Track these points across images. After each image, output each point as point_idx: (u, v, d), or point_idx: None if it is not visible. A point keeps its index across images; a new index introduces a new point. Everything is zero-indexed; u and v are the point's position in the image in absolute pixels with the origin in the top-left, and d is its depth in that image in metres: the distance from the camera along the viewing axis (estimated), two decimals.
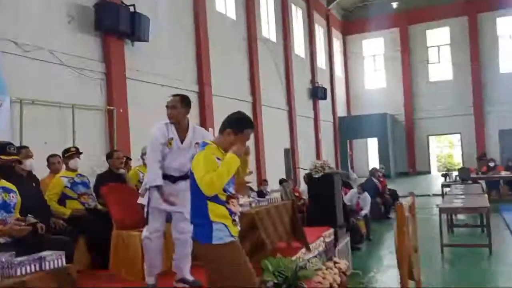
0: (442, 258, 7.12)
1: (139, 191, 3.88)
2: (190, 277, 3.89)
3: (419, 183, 20.17)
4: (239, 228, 2.93)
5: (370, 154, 25.85)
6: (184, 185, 3.74)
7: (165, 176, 3.70)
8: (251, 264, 4.01)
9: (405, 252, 4.38)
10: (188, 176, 3.79)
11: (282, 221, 5.41)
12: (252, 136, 12.63)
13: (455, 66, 24.36)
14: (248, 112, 14.23)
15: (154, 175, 3.66)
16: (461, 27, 23.87)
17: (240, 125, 2.94)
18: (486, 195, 9.46)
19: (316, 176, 6.80)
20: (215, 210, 2.80)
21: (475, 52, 23.56)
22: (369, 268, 6.77)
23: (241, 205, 4.69)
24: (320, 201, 6.74)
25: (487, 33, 23.50)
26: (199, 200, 2.83)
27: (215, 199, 2.80)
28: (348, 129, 23.40)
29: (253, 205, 4.76)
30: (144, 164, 5.62)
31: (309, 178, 6.97)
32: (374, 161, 22.84)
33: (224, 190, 2.82)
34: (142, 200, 3.81)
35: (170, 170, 3.73)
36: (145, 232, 3.78)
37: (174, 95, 3.82)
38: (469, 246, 7.67)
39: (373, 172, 12.37)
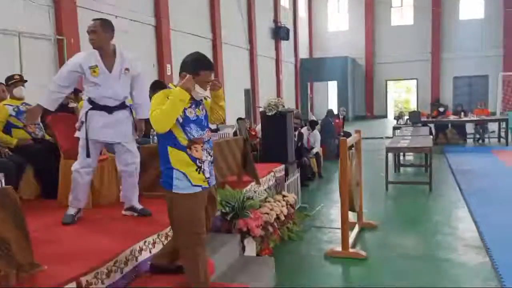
0: (386, 194, 7.53)
1: (76, 125, 3.80)
2: (138, 206, 3.98)
3: (375, 126, 20.74)
4: (207, 174, 2.80)
5: (330, 97, 26.17)
6: (122, 114, 3.71)
7: (100, 107, 3.61)
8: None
9: (346, 184, 4.62)
10: (126, 105, 3.77)
11: (233, 155, 5.52)
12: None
13: (416, 11, 24.47)
14: (208, 50, 14.03)
15: (46, 98, 3.57)
16: None
17: (195, 67, 2.76)
18: (430, 137, 9.96)
19: (270, 114, 6.90)
20: (175, 156, 2.72)
21: None
22: (317, 203, 7.08)
23: None
24: (272, 139, 6.90)
25: None
26: (161, 146, 2.76)
27: (175, 144, 2.71)
28: (310, 71, 23.44)
29: None
30: None
31: (263, 116, 7.07)
32: (333, 104, 23.20)
33: (186, 133, 2.71)
34: (78, 134, 3.72)
35: (104, 100, 3.62)
36: (76, 165, 3.73)
37: (94, 19, 3.63)
38: (411, 183, 8.12)
39: (330, 113, 12.60)
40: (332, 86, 24.90)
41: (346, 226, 4.64)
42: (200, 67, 2.77)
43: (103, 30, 3.56)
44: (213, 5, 14.14)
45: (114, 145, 3.81)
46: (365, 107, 26.05)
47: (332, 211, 6.58)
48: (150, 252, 3.33)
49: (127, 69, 3.65)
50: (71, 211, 3.79)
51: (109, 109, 3.64)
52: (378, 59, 25.45)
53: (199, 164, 2.76)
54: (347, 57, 23.29)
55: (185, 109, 2.72)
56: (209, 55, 14.10)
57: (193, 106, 2.81)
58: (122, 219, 3.89)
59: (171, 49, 11.41)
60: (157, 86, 5.82)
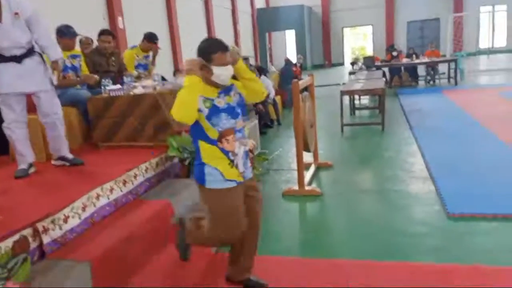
0: (341, 136, 7.77)
1: None
2: (69, 155, 3.97)
3: (333, 73, 20.97)
4: (241, 168, 2.61)
5: (288, 46, 26.12)
6: (32, 61, 3.59)
7: (7, 58, 3.47)
8: (159, 140, 4.17)
9: (300, 125, 4.75)
10: (34, 51, 3.62)
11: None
12: (166, 26, 12.30)
13: None
14: (162, 2, 13.60)
15: None
16: None
17: (206, 52, 2.49)
18: (383, 79, 10.22)
19: None
20: (206, 151, 2.55)
21: None
22: (276, 148, 7.25)
23: (143, 87, 4.74)
24: None
25: None
26: (193, 140, 2.63)
27: (205, 137, 2.53)
28: (267, 21, 23.22)
29: (157, 88, 4.79)
30: None
31: None
32: (292, 54, 23.20)
33: (214, 125, 2.50)
34: None
35: (6, 50, 3.47)
36: (4, 122, 3.66)
37: None
38: (365, 124, 8.39)
39: (288, 61, 12.64)
40: (290, 36, 24.82)
41: (301, 166, 4.82)
42: (210, 50, 2.49)
43: None
44: None
45: (33, 96, 3.70)
46: (323, 55, 26.19)
47: (290, 154, 6.77)
48: (108, 198, 3.39)
49: (16, 13, 3.45)
50: (22, 165, 3.77)
51: (17, 59, 3.50)
52: (333, 7, 25.42)
53: (232, 158, 2.56)
54: (303, 6, 23.13)
55: (213, 99, 2.51)
56: (163, 7, 13.70)
57: (222, 94, 2.56)
58: (77, 169, 3.90)
59: (122, 3, 10.99)
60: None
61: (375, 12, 24.49)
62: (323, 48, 26.07)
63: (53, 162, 3.99)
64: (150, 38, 6.16)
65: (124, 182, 3.64)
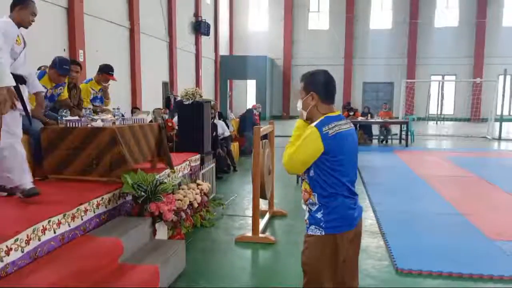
0: (297, 186, 7.85)
1: None
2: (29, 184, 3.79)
3: (291, 125, 21.40)
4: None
5: (249, 95, 26.59)
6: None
7: (16, 78, 3.48)
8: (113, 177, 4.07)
9: (258, 171, 4.77)
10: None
11: (147, 141, 5.45)
12: (128, 63, 12.23)
13: (332, 17, 25.66)
14: (125, 38, 13.65)
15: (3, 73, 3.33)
16: None
17: (321, 86, 2.51)
18: None
19: (187, 102, 6.90)
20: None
21: (351, 5, 25.01)
22: (231, 193, 7.21)
23: (103, 120, 4.65)
24: (189, 128, 6.91)
25: None
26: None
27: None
28: (229, 69, 23.64)
29: (117, 122, 4.72)
30: None
31: (179, 105, 7.06)
32: (252, 103, 23.56)
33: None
34: None
35: (18, 69, 3.57)
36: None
37: None
38: None
39: (251, 109, 12.88)
40: (251, 85, 25.33)
41: (256, 212, 4.80)
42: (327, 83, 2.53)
43: None
44: None
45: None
46: (281, 107, 26.78)
47: (245, 201, 6.74)
48: (55, 232, 3.22)
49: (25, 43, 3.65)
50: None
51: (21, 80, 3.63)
52: (295, 61, 26.31)
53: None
54: (266, 57, 23.80)
55: None
56: (126, 43, 13.74)
57: None
58: (24, 200, 3.71)
59: (85, 34, 10.95)
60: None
61: (334, 69, 25.45)
62: (283, 100, 26.72)
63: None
64: (104, 70, 6.11)
65: (73, 217, 3.48)
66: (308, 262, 2.47)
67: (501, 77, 17.93)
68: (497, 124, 16.79)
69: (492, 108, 17.76)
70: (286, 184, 7.87)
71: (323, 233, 2.41)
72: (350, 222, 2.44)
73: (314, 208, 2.46)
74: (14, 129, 3.59)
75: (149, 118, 9.94)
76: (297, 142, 2.42)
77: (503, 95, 17.55)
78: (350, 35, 25.20)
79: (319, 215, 2.43)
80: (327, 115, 2.44)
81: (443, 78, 24.60)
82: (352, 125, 2.54)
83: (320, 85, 2.49)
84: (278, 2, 25.86)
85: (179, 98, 7.09)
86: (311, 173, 2.44)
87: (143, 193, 4.28)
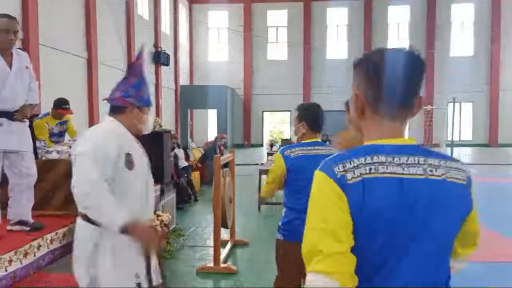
0: (259, 213, 7.85)
1: None
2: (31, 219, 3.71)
3: (252, 154, 21.51)
4: None
5: (210, 124, 26.59)
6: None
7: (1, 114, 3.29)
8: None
9: (219, 200, 4.75)
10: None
11: None
12: (84, 94, 12.02)
13: (290, 48, 26.32)
14: (82, 69, 13.48)
15: None
16: (297, 11, 25.83)
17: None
18: None
19: (145, 133, 6.83)
20: None
21: (308, 36, 25.79)
22: (192, 224, 7.12)
23: (58, 152, 4.54)
24: (149, 158, 6.81)
25: (319, 20, 25.91)
26: None
27: None
28: (190, 98, 23.61)
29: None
30: None
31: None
32: (213, 132, 23.57)
33: None
34: None
35: (6, 103, 3.30)
36: None
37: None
38: (281, 204, 8.56)
39: (216, 139, 12.91)
40: (212, 114, 25.38)
41: (218, 242, 4.75)
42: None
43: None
44: (89, 23, 13.68)
45: (11, 155, 3.46)
46: (243, 136, 26.92)
47: (206, 231, 6.66)
48: (6, 270, 3.07)
49: (26, 67, 3.38)
50: None
51: (9, 115, 3.33)
52: (255, 91, 26.64)
53: None
54: (226, 87, 23.99)
55: None
56: (83, 74, 13.56)
57: None
58: None
59: (40, 65, 10.72)
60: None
61: (294, 98, 25.93)
62: (243, 129, 26.88)
63: (9, 227, 3.60)
64: (58, 105, 5.89)
65: (26, 254, 3.33)
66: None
67: (451, 105, 18.78)
68: (449, 149, 17.49)
69: (443, 134, 18.51)
70: (247, 212, 7.85)
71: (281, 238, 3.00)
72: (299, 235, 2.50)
73: (282, 216, 3.03)
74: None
75: None
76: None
77: (453, 122, 18.36)
78: (307, 65, 25.88)
79: (280, 222, 3.04)
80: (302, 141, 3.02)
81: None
82: (330, 151, 2.80)
83: (310, 116, 3.06)
84: (237, 33, 26.32)
85: None
86: (285, 188, 3.03)
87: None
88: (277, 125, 32.93)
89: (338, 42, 26.17)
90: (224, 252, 5.20)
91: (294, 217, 2.88)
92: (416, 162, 1.20)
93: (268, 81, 26.22)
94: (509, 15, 24.98)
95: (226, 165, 5.65)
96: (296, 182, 2.92)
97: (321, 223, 1.15)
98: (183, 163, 9.56)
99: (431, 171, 1.20)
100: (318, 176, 1.22)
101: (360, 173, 1.16)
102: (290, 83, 26.07)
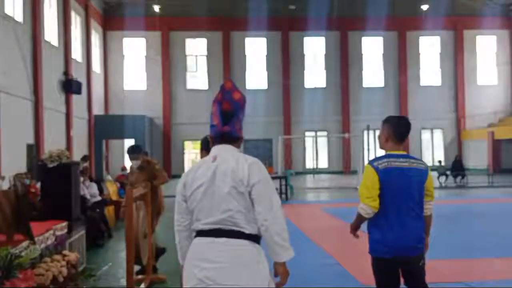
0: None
1: None
2: None
3: (174, 184, 20.83)
4: None
5: (127, 155, 25.51)
6: None
7: None
8: None
9: (131, 236, 4.33)
10: None
11: (1, 212, 4.72)
12: None
13: (210, 77, 26.33)
14: None
15: None
16: (216, 41, 26.00)
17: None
18: None
19: (51, 165, 6.22)
20: None
21: (227, 66, 25.98)
22: (105, 262, 6.51)
23: None
24: (55, 193, 6.18)
25: (238, 50, 26.28)
26: None
27: None
28: (105, 129, 22.56)
29: None
30: None
31: (42, 169, 6.33)
32: (129, 163, 22.59)
33: None
34: None
35: None
36: None
37: None
38: None
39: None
40: (129, 145, 24.40)
41: (130, 281, 4.29)
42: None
43: None
44: None
45: None
46: (162, 166, 26.11)
47: (120, 270, 6.09)
48: None
49: None
50: None
51: None
52: (175, 120, 26.12)
53: None
54: (144, 116, 23.26)
55: None
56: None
57: None
58: None
59: None
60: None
61: None
62: (163, 159, 26.11)
63: None
64: None
65: None
66: None
67: (366, 132, 19.63)
68: None
69: (359, 160, 19.21)
70: (170, 247, 7.32)
71: None
72: None
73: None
74: None
75: (5, 184, 8.82)
76: None
77: (368, 149, 19.17)
78: None
79: None
80: None
81: (316, 133, 26.26)
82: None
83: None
84: (155, 61, 25.80)
85: (40, 162, 6.36)
86: None
87: None
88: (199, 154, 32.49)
89: (258, 72, 26.61)
90: None
91: None
92: (406, 160, 3.13)
93: (188, 110, 25.87)
94: (413, 49, 27.11)
95: (140, 198, 5.22)
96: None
97: (366, 185, 3.07)
98: (95, 197, 8.88)
99: (411, 163, 3.13)
100: (367, 166, 3.13)
101: (384, 165, 3.07)
102: (210, 112, 25.92)
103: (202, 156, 3.61)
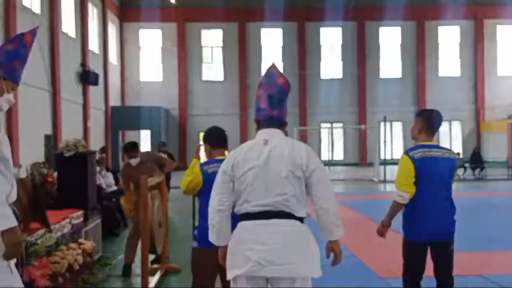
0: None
1: None
2: None
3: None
4: None
5: (143, 146, 25.70)
6: None
7: None
8: None
9: (147, 224, 4.33)
10: None
11: (18, 200, 4.76)
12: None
13: (226, 68, 26.24)
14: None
15: None
16: (232, 32, 25.86)
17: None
18: None
19: (68, 155, 6.27)
20: None
21: (243, 56, 25.85)
22: (121, 251, 6.55)
23: None
24: (71, 182, 6.23)
25: (253, 41, 26.10)
26: None
27: None
28: (121, 120, 22.69)
29: None
30: None
31: (59, 158, 6.38)
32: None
33: None
34: None
35: None
36: None
37: None
38: None
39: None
40: (145, 136, 24.57)
41: (145, 269, 4.30)
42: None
43: None
44: (7, 39, 12.75)
45: None
46: (178, 157, 26.23)
47: (135, 258, 6.13)
48: None
49: None
50: None
51: None
52: (190, 111, 26.15)
53: None
54: (160, 107, 23.34)
55: None
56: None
57: None
58: None
59: None
60: None
61: (231, 120, 25.80)
62: (179, 150, 26.22)
63: None
64: None
65: None
66: None
67: (382, 124, 19.39)
68: (382, 167, 17.95)
69: (376, 153, 19.01)
70: (181, 237, 7.37)
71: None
72: None
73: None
74: None
75: (22, 173, 8.91)
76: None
77: (385, 141, 18.95)
78: (243, 85, 25.87)
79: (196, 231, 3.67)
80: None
81: (331, 125, 26.06)
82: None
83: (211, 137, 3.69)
84: (171, 52, 25.84)
85: (58, 151, 6.41)
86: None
87: None
88: None
89: (273, 62, 26.40)
90: (153, 280, 4.74)
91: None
92: (438, 150, 3.37)
93: (204, 101, 25.87)
94: (432, 39, 26.63)
95: (156, 187, 5.23)
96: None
97: (403, 173, 3.31)
98: (111, 187, 8.95)
99: (444, 153, 3.37)
100: (403, 156, 3.36)
101: (420, 154, 3.28)
102: (227, 104, 25.90)
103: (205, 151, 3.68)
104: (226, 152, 3.47)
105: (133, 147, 5.92)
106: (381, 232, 3.39)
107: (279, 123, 2.63)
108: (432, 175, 3.25)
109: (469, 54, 26.78)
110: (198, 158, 3.56)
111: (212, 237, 2.60)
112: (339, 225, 2.58)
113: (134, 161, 5.73)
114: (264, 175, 2.45)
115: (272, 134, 2.58)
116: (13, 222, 2.23)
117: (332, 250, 2.62)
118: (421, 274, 3.34)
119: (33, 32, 2.40)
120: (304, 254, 2.46)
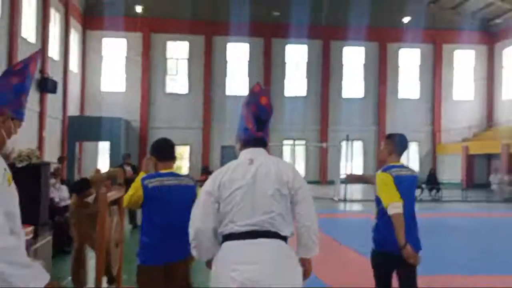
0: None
1: None
2: None
3: None
4: None
5: (101, 158, 24.95)
6: None
7: None
8: None
9: (103, 246, 4.06)
10: None
11: None
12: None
13: (191, 81, 26.00)
14: None
15: None
16: (198, 44, 25.71)
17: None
18: None
19: (20, 165, 5.90)
20: None
21: (208, 70, 25.71)
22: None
23: None
24: (22, 195, 5.81)
25: (219, 55, 26.03)
26: None
27: None
28: (79, 130, 21.90)
29: None
30: None
31: (11, 169, 5.97)
32: (105, 166, 22.07)
33: None
34: None
35: None
36: None
37: None
38: None
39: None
40: (104, 148, 23.87)
41: None
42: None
43: None
44: None
45: None
46: (138, 170, 25.60)
47: (88, 280, 5.79)
48: None
49: None
50: None
51: None
52: (152, 123, 25.65)
53: None
54: (120, 119, 22.76)
55: None
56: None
57: None
58: None
59: None
60: None
61: (193, 133, 25.49)
62: (138, 163, 25.55)
63: None
64: None
65: None
66: None
67: (344, 143, 19.63)
68: (343, 186, 18.08)
69: (337, 171, 19.17)
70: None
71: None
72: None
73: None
74: None
75: None
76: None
77: (346, 159, 19.16)
78: (207, 99, 25.67)
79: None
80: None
81: (294, 142, 26.19)
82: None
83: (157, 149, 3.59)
84: (135, 62, 25.34)
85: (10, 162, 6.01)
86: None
87: None
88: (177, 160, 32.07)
89: (239, 77, 26.38)
90: None
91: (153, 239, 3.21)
92: (407, 170, 3.73)
93: (167, 114, 25.47)
94: (393, 61, 27.39)
95: (115, 202, 4.94)
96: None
97: (388, 188, 3.48)
98: (65, 200, 8.52)
99: (412, 172, 3.76)
100: (381, 174, 3.59)
101: (396, 173, 3.55)
102: (190, 116, 25.60)
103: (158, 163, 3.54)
104: (173, 165, 3.50)
105: (83, 185, 5.48)
106: (412, 254, 3.35)
107: (263, 143, 2.70)
108: (405, 192, 3.49)
109: (428, 77, 27.70)
110: (147, 171, 3.47)
111: (196, 254, 2.61)
112: (317, 244, 2.59)
113: (90, 198, 5.41)
114: (251, 194, 2.46)
115: (257, 153, 2.64)
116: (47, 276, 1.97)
117: (304, 266, 2.61)
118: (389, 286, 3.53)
119: (36, 60, 2.21)
120: (292, 274, 2.47)
